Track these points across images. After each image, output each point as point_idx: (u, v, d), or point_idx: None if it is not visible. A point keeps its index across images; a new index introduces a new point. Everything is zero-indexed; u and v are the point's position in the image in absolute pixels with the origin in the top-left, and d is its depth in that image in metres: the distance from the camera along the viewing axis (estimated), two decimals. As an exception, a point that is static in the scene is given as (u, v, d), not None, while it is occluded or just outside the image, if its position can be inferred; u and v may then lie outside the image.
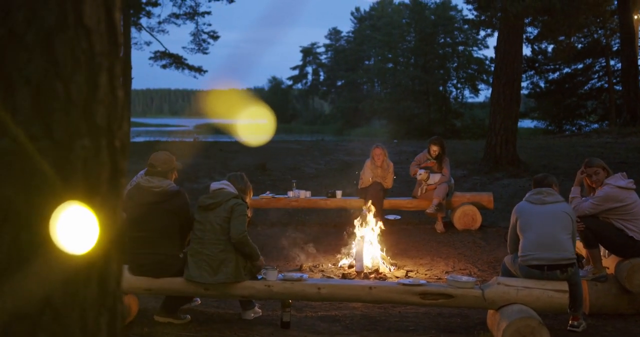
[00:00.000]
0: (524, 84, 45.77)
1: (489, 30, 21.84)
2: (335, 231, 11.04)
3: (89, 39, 1.76)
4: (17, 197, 1.62)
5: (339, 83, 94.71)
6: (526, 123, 52.86)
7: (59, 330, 1.71)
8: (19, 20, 1.64)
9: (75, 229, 1.67)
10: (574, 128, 47.33)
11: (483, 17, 19.54)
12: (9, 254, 1.62)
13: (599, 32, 42.75)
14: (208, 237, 6.70)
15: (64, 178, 1.70)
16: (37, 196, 1.64)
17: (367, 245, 9.33)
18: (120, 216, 1.92)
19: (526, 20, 19.65)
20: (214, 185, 7.07)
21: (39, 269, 1.64)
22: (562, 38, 31.46)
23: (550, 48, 43.20)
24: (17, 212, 1.62)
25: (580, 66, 46.88)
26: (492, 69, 21.34)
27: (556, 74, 47.94)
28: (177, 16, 35.87)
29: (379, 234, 9.72)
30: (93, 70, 1.77)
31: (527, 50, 46.78)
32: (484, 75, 59.56)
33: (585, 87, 48.14)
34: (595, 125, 46.01)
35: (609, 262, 7.74)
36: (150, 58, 35.60)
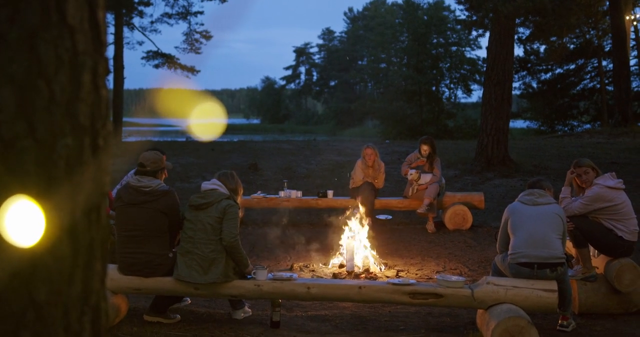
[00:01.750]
0: (516, 85, 45.91)
1: (480, 31, 21.83)
2: (326, 230, 11.05)
3: (72, 38, 1.76)
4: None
5: (332, 83, 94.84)
6: (519, 123, 52.95)
7: (42, 329, 1.71)
8: (2, 19, 1.64)
9: (23, 221, 1.67)
10: (566, 128, 47.46)
11: (475, 18, 19.53)
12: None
13: (591, 32, 42.83)
14: (199, 237, 6.70)
15: (47, 177, 1.70)
16: None
17: (358, 245, 9.34)
18: (104, 214, 1.92)
19: (518, 21, 19.67)
20: (205, 185, 7.06)
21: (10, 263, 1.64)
22: (554, 38, 31.52)
23: (542, 48, 43.30)
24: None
25: (573, 67, 46.96)
26: (485, 69, 21.35)
27: (548, 75, 48.01)
28: (169, 16, 35.84)
29: (369, 234, 9.74)
30: (76, 69, 1.77)
31: (519, 51, 46.96)
32: (477, 76, 59.57)
33: (578, 88, 48.24)
34: (588, 126, 46.15)
35: (599, 261, 7.77)
36: (143, 58, 35.54)
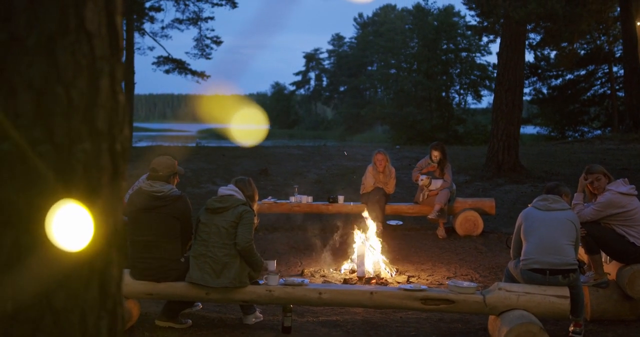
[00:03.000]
0: (526, 90, 45.81)
1: (491, 37, 21.77)
2: (336, 236, 11.04)
3: (91, 43, 1.77)
4: (18, 199, 1.63)
5: (342, 89, 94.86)
6: (529, 129, 52.86)
7: (60, 333, 1.72)
8: (21, 24, 1.65)
9: (74, 228, 1.69)
10: (576, 134, 47.33)
11: (486, 23, 19.52)
12: (9, 255, 1.62)
13: (602, 38, 42.73)
14: (213, 240, 6.71)
15: (65, 182, 1.71)
16: (37, 197, 1.65)
17: (369, 250, 9.33)
18: (121, 219, 1.93)
19: (528, 27, 19.62)
20: (223, 190, 7.07)
21: (38, 269, 1.65)
22: (564, 44, 31.46)
23: (553, 54, 43.24)
24: (18, 214, 1.63)
25: (583, 72, 46.88)
26: (495, 75, 21.31)
27: (559, 81, 47.95)
28: (180, 21, 35.95)
29: (380, 239, 9.73)
30: (94, 74, 1.78)
31: (529, 57, 46.87)
32: (487, 82, 59.43)
33: (588, 94, 48.15)
34: (598, 132, 45.99)
35: (610, 268, 7.73)
36: (154, 63, 35.67)
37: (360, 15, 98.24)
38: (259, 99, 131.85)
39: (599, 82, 47.35)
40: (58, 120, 1.70)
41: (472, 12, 21.19)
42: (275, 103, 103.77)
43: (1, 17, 1.64)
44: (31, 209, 1.66)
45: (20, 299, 1.65)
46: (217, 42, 36.47)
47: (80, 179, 1.75)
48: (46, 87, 1.68)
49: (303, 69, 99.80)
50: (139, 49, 35.55)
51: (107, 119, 1.83)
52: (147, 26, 36.33)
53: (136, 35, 34.44)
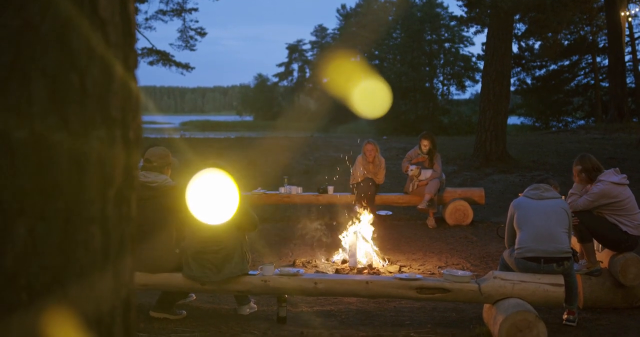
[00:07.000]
0: (510, 81, 45.99)
1: (478, 27, 21.79)
2: (327, 226, 11.03)
3: (104, 30, 1.75)
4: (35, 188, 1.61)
5: (325, 80, 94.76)
6: (513, 119, 53.10)
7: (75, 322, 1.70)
8: (35, 11, 1.63)
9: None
10: (560, 124, 47.62)
11: (473, 14, 19.54)
12: (25, 244, 1.60)
13: (586, 28, 42.92)
14: (207, 236, 6.68)
15: (79, 170, 1.69)
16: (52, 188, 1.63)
17: (360, 240, 9.33)
18: (134, 207, 1.92)
19: (515, 17, 19.66)
20: None
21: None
22: (549, 34, 31.57)
23: (537, 45, 43.42)
24: (33, 202, 1.61)
25: (567, 63, 47.13)
26: (478, 65, 21.38)
27: (543, 71, 48.18)
28: (164, 13, 35.70)
29: (370, 229, 9.73)
30: (108, 61, 1.76)
31: (514, 47, 46.96)
32: (470, 72, 59.61)
33: (572, 84, 48.45)
34: (582, 122, 46.31)
35: (603, 256, 7.78)
36: (137, 55, 35.45)
37: (343, 6, 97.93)
38: (242, 91, 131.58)
39: (582, 73, 47.66)
40: (72, 107, 1.68)
41: (459, 2, 21.15)
42: (258, 95, 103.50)
43: (15, 3, 1.61)
44: (46, 197, 1.64)
45: (35, 288, 1.64)
46: (201, 33, 36.29)
47: (95, 167, 1.73)
48: (60, 74, 1.66)
49: (286, 60, 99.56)
50: (123, 40, 35.33)
51: (121, 107, 1.82)
52: (131, 18, 36.07)
53: (120, 26, 34.21)
